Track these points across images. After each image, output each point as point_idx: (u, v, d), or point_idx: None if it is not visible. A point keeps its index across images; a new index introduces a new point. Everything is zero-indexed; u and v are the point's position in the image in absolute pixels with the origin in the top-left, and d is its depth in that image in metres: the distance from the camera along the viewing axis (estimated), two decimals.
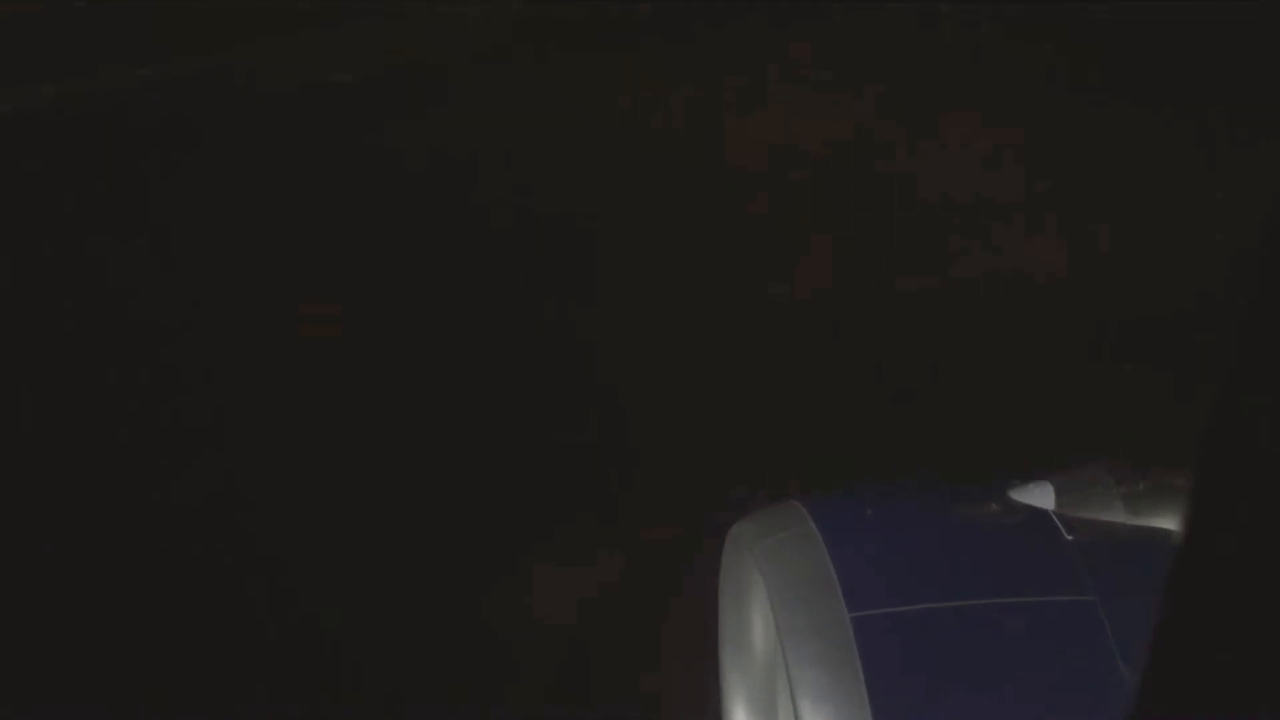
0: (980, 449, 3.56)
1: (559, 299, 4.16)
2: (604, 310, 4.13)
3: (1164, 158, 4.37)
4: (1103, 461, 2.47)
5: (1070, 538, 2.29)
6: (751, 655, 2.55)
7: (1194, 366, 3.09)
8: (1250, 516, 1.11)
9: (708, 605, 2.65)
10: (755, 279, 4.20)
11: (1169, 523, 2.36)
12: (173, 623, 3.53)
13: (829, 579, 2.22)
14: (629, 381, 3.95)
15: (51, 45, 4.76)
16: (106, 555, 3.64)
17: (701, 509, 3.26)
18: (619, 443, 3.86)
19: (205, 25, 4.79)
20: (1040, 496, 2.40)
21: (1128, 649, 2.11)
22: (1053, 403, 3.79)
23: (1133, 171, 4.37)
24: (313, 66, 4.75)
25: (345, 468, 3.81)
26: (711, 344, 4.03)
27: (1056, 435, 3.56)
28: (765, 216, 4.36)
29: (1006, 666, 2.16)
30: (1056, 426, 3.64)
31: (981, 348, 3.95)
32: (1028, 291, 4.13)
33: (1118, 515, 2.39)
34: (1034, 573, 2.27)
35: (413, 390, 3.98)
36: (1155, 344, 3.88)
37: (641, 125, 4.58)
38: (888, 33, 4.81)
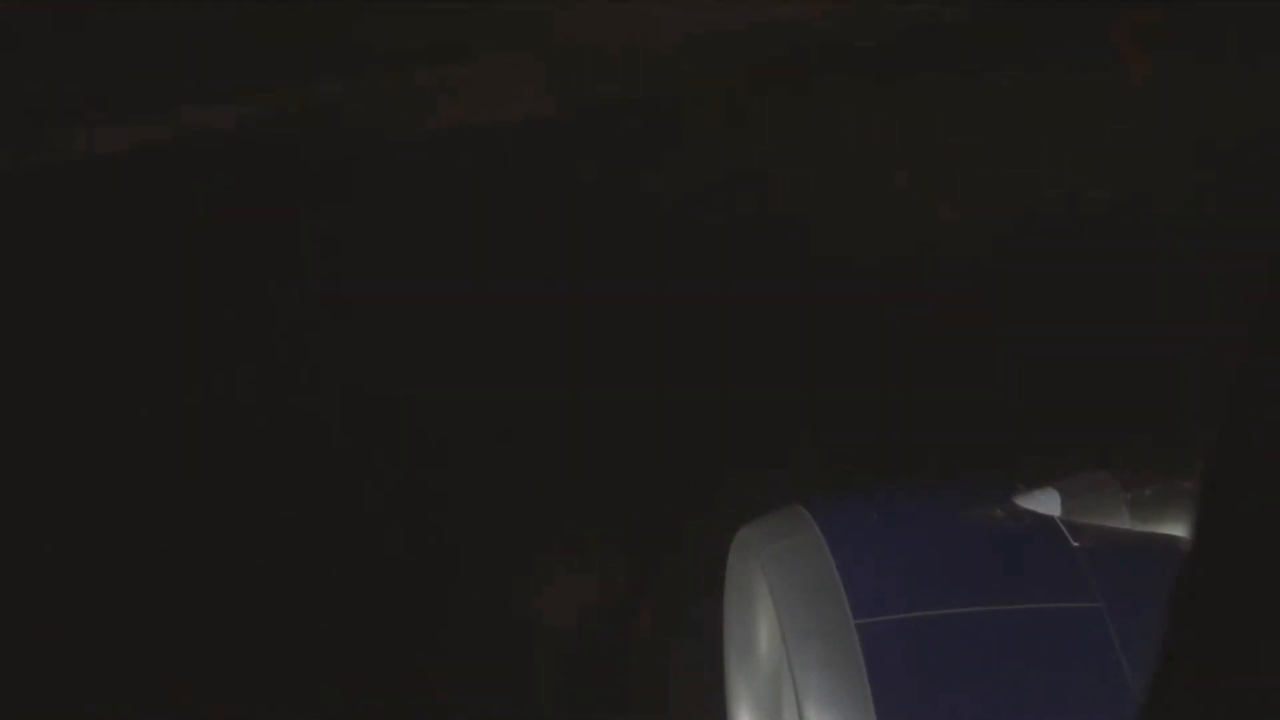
0: None
1: None
2: None
3: None
4: (1109, 468, 2.46)
5: (1076, 544, 2.28)
6: (757, 660, 2.54)
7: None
8: (1259, 523, 1.11)
9: (713, 610, 2.65)
10: None
11: (1176, 529, 2.35)
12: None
13: (834, 584, 2.21)
14: None
15: (186, 77, 4.71)
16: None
17: None
18: None
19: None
20: (1046, 503, 2.39)
21: (1134, 656, 2.10)
22: None
23: None
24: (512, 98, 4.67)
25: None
26: None
27: None
28: None
29: (1012, 673, 2.15)
30: None
31: None
32: None
33: (1124, 522, 2.39)
34: (1040, 579, 2.26)
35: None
36: None
37: None
38: None
